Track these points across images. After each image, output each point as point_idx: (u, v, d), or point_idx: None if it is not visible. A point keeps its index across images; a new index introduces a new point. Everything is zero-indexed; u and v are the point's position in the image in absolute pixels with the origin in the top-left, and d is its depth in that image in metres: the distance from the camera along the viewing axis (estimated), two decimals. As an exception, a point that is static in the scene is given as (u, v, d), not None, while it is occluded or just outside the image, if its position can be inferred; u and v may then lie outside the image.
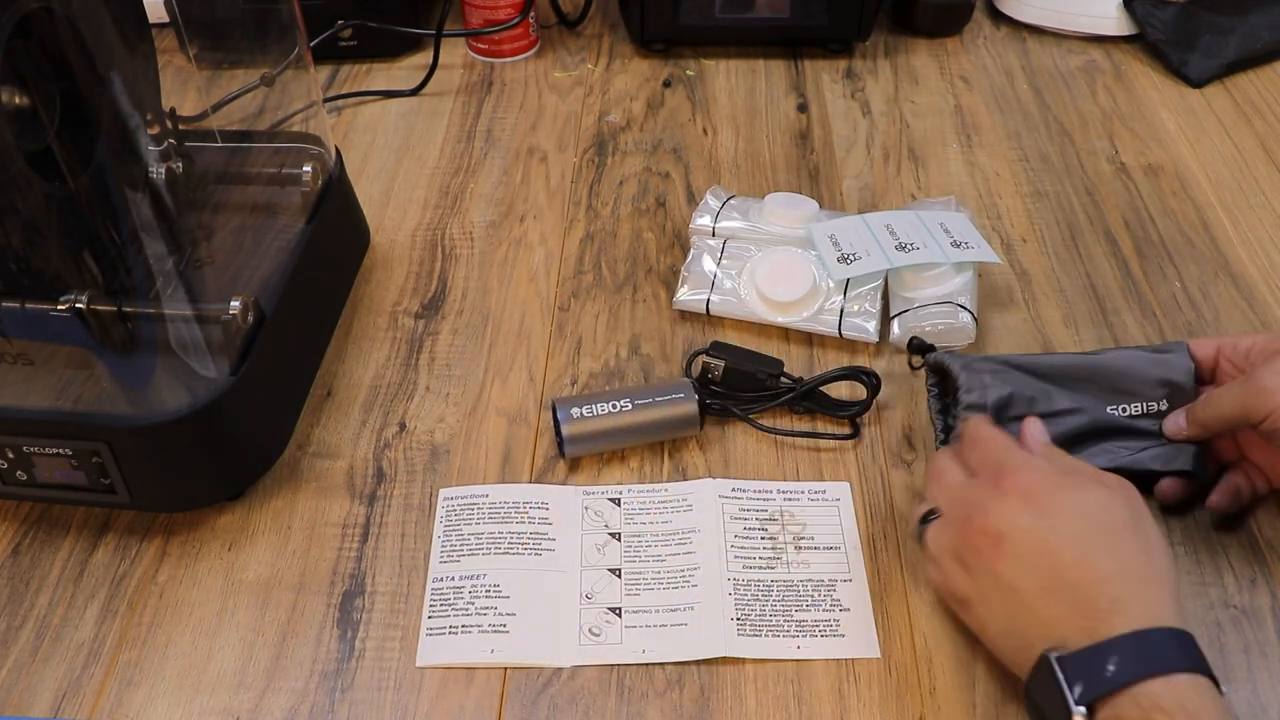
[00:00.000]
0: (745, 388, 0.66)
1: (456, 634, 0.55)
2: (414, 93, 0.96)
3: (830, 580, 0.57)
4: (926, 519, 0.53)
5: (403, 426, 0.66)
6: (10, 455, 0.56)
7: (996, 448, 0.52)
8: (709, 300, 0.71)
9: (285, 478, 0.63)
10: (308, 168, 0.69)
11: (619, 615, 0.56)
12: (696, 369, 0.67)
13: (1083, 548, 0.47)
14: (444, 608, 0.56)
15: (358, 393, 0.68)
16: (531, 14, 0.99)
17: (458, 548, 0.59)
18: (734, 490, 0.61)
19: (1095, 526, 0.47)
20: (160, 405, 0.56)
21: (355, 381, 0.69)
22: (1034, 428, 0.55)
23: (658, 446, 0.64)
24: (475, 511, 0.60)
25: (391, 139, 0.91)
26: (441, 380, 0.69)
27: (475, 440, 0.65)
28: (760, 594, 0.56)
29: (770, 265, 0.71)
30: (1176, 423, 0.59)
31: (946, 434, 0.61)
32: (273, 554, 0.59)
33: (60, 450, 0.56)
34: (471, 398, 0.68)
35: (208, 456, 0.59)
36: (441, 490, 0.62)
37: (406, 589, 0.57)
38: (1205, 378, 0.60)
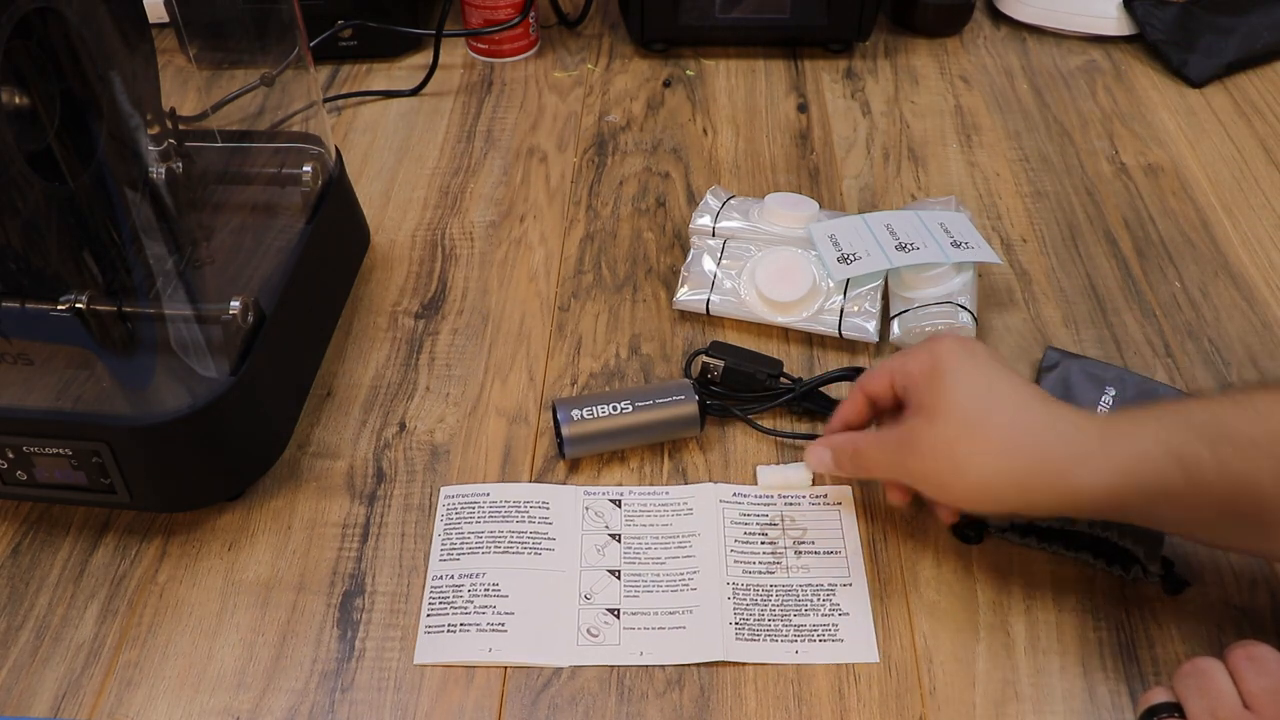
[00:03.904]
0: (745, 388, 0.66)
1: (455, 632, 0.55)
2: (414, 93, 0.96)
3: (830, 585, 0.57)
4: (1158, 713, 0.47)
5: (403, 426, 0.66)
6: (10, 455, 0.56)
7: None
8: (709, 300, 0.71)
9: (285, 478, 0.63)
10: (308, 168, 0.69)
11: (617, 617, 0.56)
12: (696, 369, 0.67)
13: None
14: (443, 605, 0.56)
15: (358, 393, 0.68)
16: (531, 14, 0.99)
17: (458, 546, 0.59)
18: (735, 495, 0.61)
19: None
20: (160, 405, 0.56)
21: (355, 381, 0.69)
22: None
23: (658, 447, 0.64)
24: (476, 510, 0.60)
25: (391, 139, 0.91)
26: (441, 380, 0.69)
27: (475, 440, 0.65)
28: (759, 599, 0.56)
29: (770, 265, 0.71)
30: (821, 460, 0.57)
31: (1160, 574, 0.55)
32: (273, 554, 0.59)
33: (60, 450, 0.56)
34: (471, 398, 0.68)
35: (208, 456, 0.59)
36: (443, 488, 0.62)
37: (406, 589, 0.57)
38: (885, 407, 0.57)
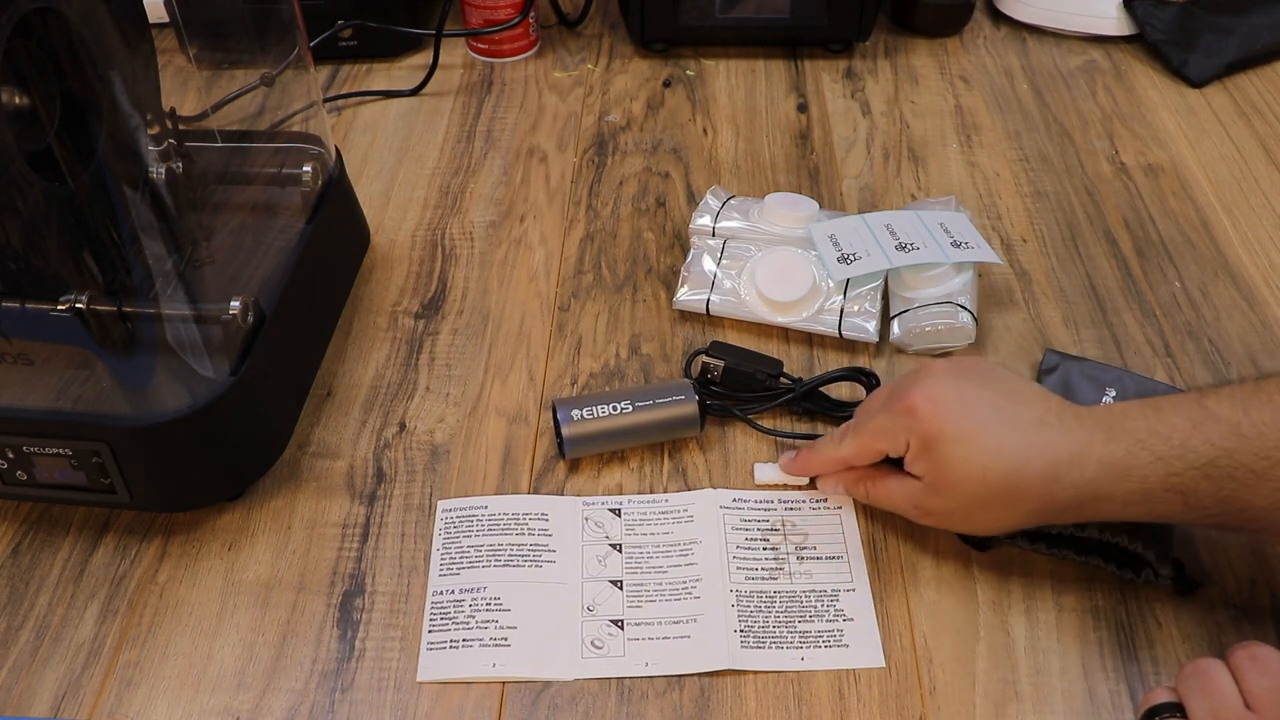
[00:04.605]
0: (745, 388, 0.66)
1: (457, 648, 0.54)
2: (414, 93, 0.96)
3: (833, 590, 0.57)
4: (1160, 713, 0.47)
5: (403, 426, 0.66)
6: (10, 455, 0.56)
7: None
8: (709, 300, 0.71)
9: (285, 478, 0.63)
10: (308, 168, 0.69)
11: (621, 628, 0.55)
12: (696, 369, 0.67)
13: None
14: (444, 621, 0.56)
15: (358, 393, 0.68)
16: (531, 14, 0.99)
17: (457, 560, 0.58)
18: (735, 500, 0.61)
19: None
20: (160, 405, 0.56)
21: (355, 381, 0.69)
22: None
23: (658, 447, 0.64)
24: (474, 523, 0.60)
25: (391, 139, 0.91)
26: (441, 380, 0.69)
27: (475, 440, 0.65)
28: (763, 605, 0.56)
29: (770, 265, 0.71)
30: (835, 488, 0.60)
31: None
32: (273, 554, 0.59)
33: (60, 450, 0.56)
34: (471, 398, 0.68)
35: (208, 456, 0.59)
36: (440, 502, 0.61)
37: (407, 589, 0.57)
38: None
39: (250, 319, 0.60)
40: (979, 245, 0.70)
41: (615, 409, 0.62)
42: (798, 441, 0.64)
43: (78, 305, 0.55)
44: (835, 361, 0.69)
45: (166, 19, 0.66)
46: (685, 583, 0.57)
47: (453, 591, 0.57)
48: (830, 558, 0.58)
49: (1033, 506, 0.51)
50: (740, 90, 0.96)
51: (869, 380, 0.65)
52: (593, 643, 0.55)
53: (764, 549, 0.59)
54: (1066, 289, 0.74)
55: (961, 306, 0.68)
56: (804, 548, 0.59)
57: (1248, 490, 0.47)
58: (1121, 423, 0.50)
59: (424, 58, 0.99)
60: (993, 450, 0.51)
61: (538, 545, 0.59)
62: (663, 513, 0.61)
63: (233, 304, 0.58)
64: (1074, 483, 0.49)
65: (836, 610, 0.56)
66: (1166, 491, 0.48)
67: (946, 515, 0.54)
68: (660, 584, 0.57)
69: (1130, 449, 0.49)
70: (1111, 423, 0.50)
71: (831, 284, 0.70)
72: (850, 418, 0.64)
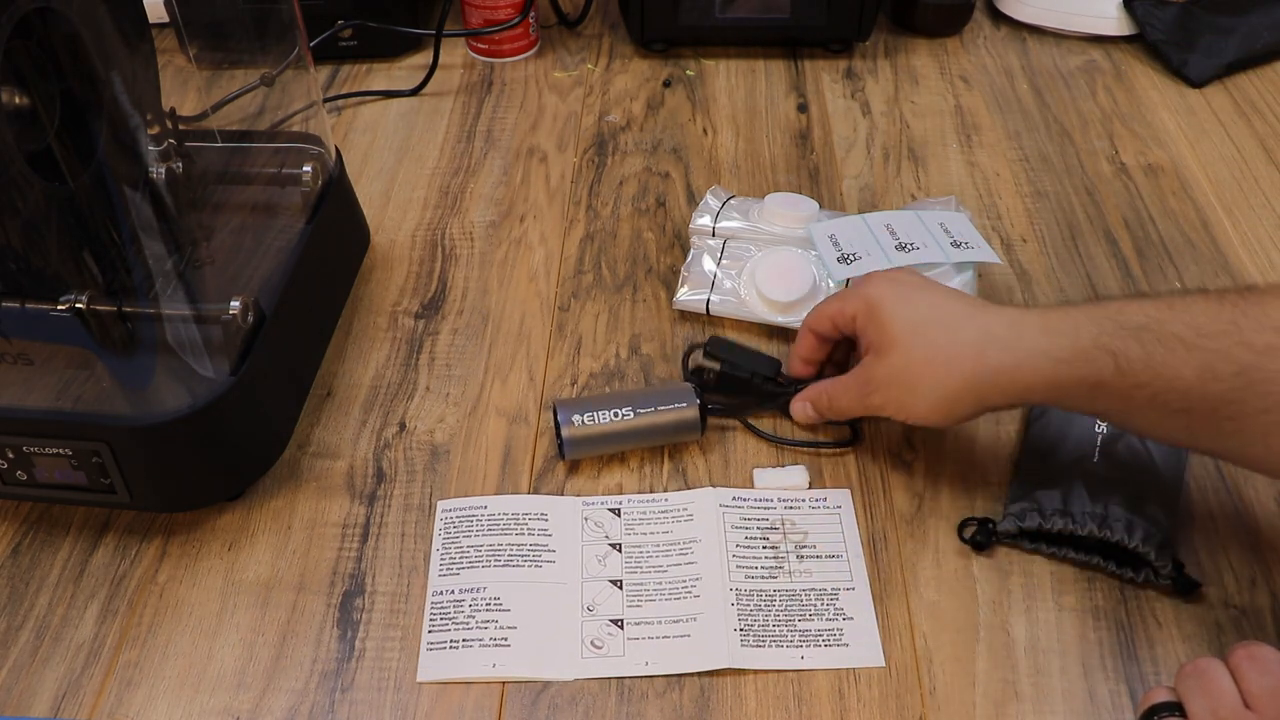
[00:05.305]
0: (743, 388, 0.66)
1: (457, 648, 0.54)
2: (414, 93, 0.96)
3: (833, 589, 0.57)
4: (1159, 713, 0.47)
5: (403, 426, 0.66)
6: (10, 455, 0.56)
7: None
8: (709, 300, 0.71)
9: (285, 478, 0.63)
10: (308, 168, 0.69)
11: (621, 627, 0.55)
12: (694, 363, 0.67)
13: None
14: (444, 622, 0.56)
15: (358, 393, 0.68)
16: (531, 14, 0.99)
17: (457, 560, 0.58)
18: (734, 499, 0.61)
19: None
20: (160, 405, 0.56)
21: (355, 381, 0.69)
22: None
23: (658, 448, 0.64)
24: (474, 523, 0.60)
25: (391, 139, 0.91)
26: (441, 380, 0.69)
27: (475, 440, 0.65)
28: (763, 604, 0.56)
29: (770, 265, 0.71)
30: (805, 411, 0.63)
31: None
32: (273, 554, 0.59)
33: (60, 450, 0.56)
34: (471, 398, 0.68)
35: (208, 456, 0.59)
36: (439, 502, 0.61)
37: (407, 589, 0.57)
38: (834, 340, 0.63)
39: (250, 319, 0.60)
40: (979, 245, 0.70)
41: (616, 415, 0.62)
42: (798, 447, 0.64)
43: (78, 305, 0.55)
44: (835, 361, 0.69)
45: (166, 19, 0.66)
46: (685, 582, 0.57)
47: (453, 591, 0.57)
48: (830, 556, 0.58)
49: (968, 369, 0.53)
50: (740, 90, 0.96)
51: (869, 380, 0.65)
52: (592, 642, 0.55)
53: (764, 548, 0.59)
54: (1066, 289, 0.74)
55: (961, 306, 0.68)
56: (804, 546, 0.59)
57: (1177, 359, 0.48)
58: (1058, 308, 0.53)
59: (424, 58, 0.99)
60: (930, 306, 0.56)
61: (537, 545, 0.59)
62: (662, 512, 0.61)
63: (233, 304, 0.58)
64: (1008, 343, 0.52)
65: (836, 609, 0.56)
66: (1097, 349, 0.50)
67: (890, 385, 0.56)
68: (660, 583, 0.57)
69: (1067, 312, 0.52)
70: (1048, 308, 0.54)
71: (832, 284, 0.70)
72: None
